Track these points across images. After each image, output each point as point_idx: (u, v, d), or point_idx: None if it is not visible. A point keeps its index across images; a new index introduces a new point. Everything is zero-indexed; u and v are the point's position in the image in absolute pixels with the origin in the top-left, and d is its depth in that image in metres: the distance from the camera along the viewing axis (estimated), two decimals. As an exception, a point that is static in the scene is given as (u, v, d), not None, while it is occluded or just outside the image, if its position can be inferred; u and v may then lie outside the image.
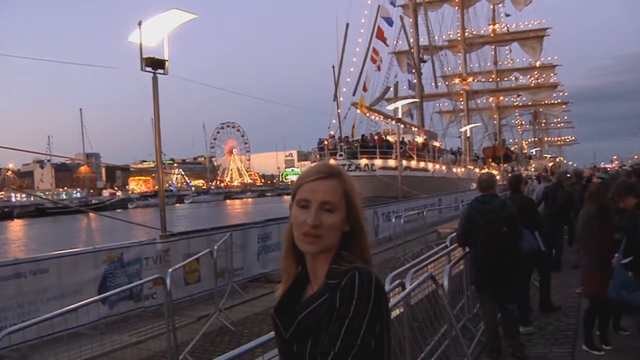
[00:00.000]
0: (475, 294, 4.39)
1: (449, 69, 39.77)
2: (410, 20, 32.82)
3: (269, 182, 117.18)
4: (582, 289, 4.10)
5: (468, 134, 32.85)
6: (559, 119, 63.26)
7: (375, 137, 22.27)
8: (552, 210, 7.10)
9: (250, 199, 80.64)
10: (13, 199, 62.18)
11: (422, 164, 22.92)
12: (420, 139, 24.99)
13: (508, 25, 43.60)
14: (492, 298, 3.98)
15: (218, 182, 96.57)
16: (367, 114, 24.01)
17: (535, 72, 44.92)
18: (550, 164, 56.73)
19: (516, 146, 55.70)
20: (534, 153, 60.26)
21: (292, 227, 1.07)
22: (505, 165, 36.45)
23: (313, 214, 1.02)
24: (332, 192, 1.04)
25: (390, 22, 27.25)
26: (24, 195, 60.36)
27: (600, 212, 3.89)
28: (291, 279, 1.10)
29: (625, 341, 4.09)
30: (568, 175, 10.33)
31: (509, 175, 14.05)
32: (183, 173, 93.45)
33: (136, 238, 9.48)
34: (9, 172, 78.47)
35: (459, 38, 39.34)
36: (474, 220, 3.93)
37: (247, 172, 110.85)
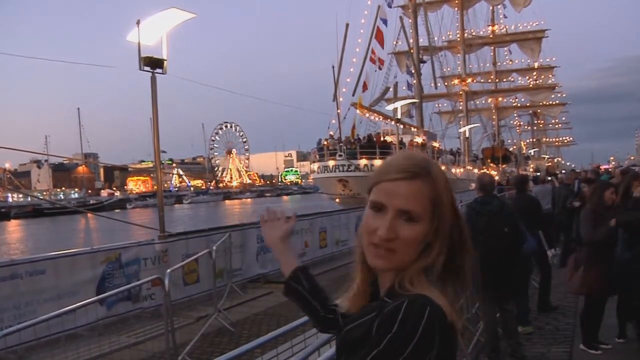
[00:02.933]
0: (475, 294, 4.38)
1: (448, 69, 39.89)
2: (410, 21, 32.89)
3: (268, 182, 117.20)
4: (581, 286, 4.08)
5: (467, 135, 32.93)
6: (557, 120, 63.51)
7: (375, 138, 22.31)
8: (557, 209, 7.37)
9: (249, 200, 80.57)
10: (10, 199, 61.99)
11: (421, 165, 22.86)
12: (419, 140, 25.02)
13: (507, 27, 43.78)
14: (492, 298, 3.98)
15: (217, 182, 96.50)
16: (366, 114, 24.04)
17: (534, 73, 45.05)
18: (548, 165, 56.95)
19: (515, 147, 55.84)
20: (532, 154, 60.46)
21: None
22: (504, 166, 36.53)
23: (387, 224, 0.81)
24: (416, 199, 0.82)
25: (385, 22, 27.30)
26: (20, 196, 60.21)
27: (602, 211, 3.90)
28: (362, 295, 0.92)
29: (624, 343, 4.08)
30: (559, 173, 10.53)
31: (515, 175, 14.14)
32: (182, 173, 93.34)
33: (135, 238, 9.45)
34: (6, 172, 78.33)
35: (459, 39, 39.41)
36: (474, 222, 3.92)
37: (246, 172, 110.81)
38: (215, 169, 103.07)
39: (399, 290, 0.82)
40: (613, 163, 58.90)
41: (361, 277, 0.92)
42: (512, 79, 47.09)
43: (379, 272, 0.87)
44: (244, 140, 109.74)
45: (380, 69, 27.13)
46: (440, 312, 0.77)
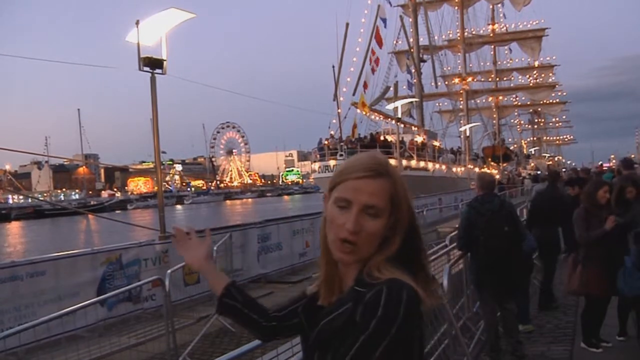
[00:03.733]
0: (475, 293, 4.37)
1: (449, 68, 39.85)
2: (410, 20, 32.84)
3: (269, 182, 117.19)
4: (580, 286, 4.08)
5: (467, 134, 32.93)
6: (557, 119, 63.49)
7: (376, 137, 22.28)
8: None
9: (250, 200, 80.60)
10: (10, 201, 62.01)
11: (422, 164, 22.92)
12: (420, 139, 24.99)
13: (507, 26, 43.77)
14: (492, 297, 3.97)
15: (218, 182, 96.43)
16: (367, 114, 24.01)
17: (534, 72, 45.03)
18: (549, 163, 56.94)
19: (515, 146, 55.80)
20: (532, 152, 60.41)
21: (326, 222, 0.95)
22: (504, 164, 36.50)
23: (354, 218, 0.89)
24: (379, 195, 0.90)
25: (384, 22, 27.25)
26: (21, 197, 60.24)
27: (595, 210, 3.87)
28: (334, 281, 0.97)
29: (625, 341, 4.07)
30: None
31: (550, 170, 14.15)
32: (182, 173, 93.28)
33: (135, 239, 9.45)
34: (7, 173, 78.34)
35: (459, 38, 39.38)
36: (474, 221, 3.90)
37: (247, 172, 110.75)
38: (217, 170, 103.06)
39: (369, 279, 0.88)
40: (614, 161, 58.87)
41: (330, 263, 0.97)
42: (512, 78, 47.08)
43: (344, 264, 0.94)
44: (245, 140, 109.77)
45: (373, 71, 26.81)
46: (414, 291, 0.85)
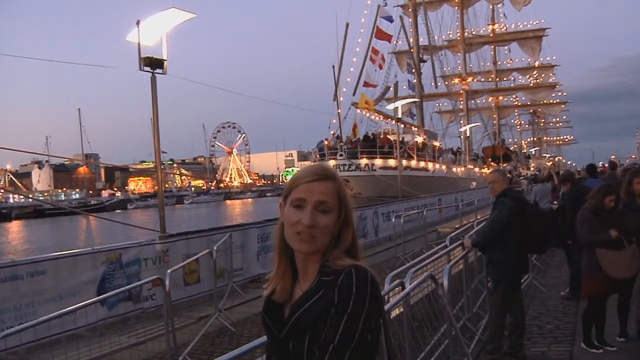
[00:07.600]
0: (492, 291, 4.23)
1: (449, 69, 39.88)
2: (410, 20, 32.86)
3: (269, 182, 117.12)
4: (582, 288, 4.10)
5: (468, 134, 32.98)
6: (557, 119, 63.49)
7: (380, 137, 22.28)
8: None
9: (250, 200, 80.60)
10: (11, 200, 62.00)
11: (422, 164, 22.93)
12: (420, 139, 24.98)
13: (507, 26, 43.78)
14: (513, 296, 3.95)
15: (218, 182, 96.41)
16: (367, 114, 23.99)
17: (534, 72, 45.05)
18: (549, 164, 56.94)
19: (515, 146, 55.81)
20: (533, 153, 60.45)
21: (282, 226, 1.08)
22: (504, 164, 36.52)
23: (308, 214, 1.03)
24: (328, 194, 1.05)
25: (390, 19, 27.20)
26: (21, 196, 60.17)
27: (597, 212, 3.88)
28: (287, 277, 1.10)
29: (625, 342, 4.08)
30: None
31: (566, 170, 14.28)
32: (182, 173, 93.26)
33: (135, 239, 9.45)
34: (7, 173, 78.28)
35: (459, 38, 39.39)
36: (518, 212, 3.78)
37: (247, 172, 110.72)
38: (217, 169, 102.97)
39: (334, 268, 1.03)
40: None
41: (283, 262, 1.11)
42: (512, 78, 47.11)
43: (305, 256, 1.06)
44: (245, 140, 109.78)
45: (381, 68, 26.79)
46: (372, 272, 1.03)
